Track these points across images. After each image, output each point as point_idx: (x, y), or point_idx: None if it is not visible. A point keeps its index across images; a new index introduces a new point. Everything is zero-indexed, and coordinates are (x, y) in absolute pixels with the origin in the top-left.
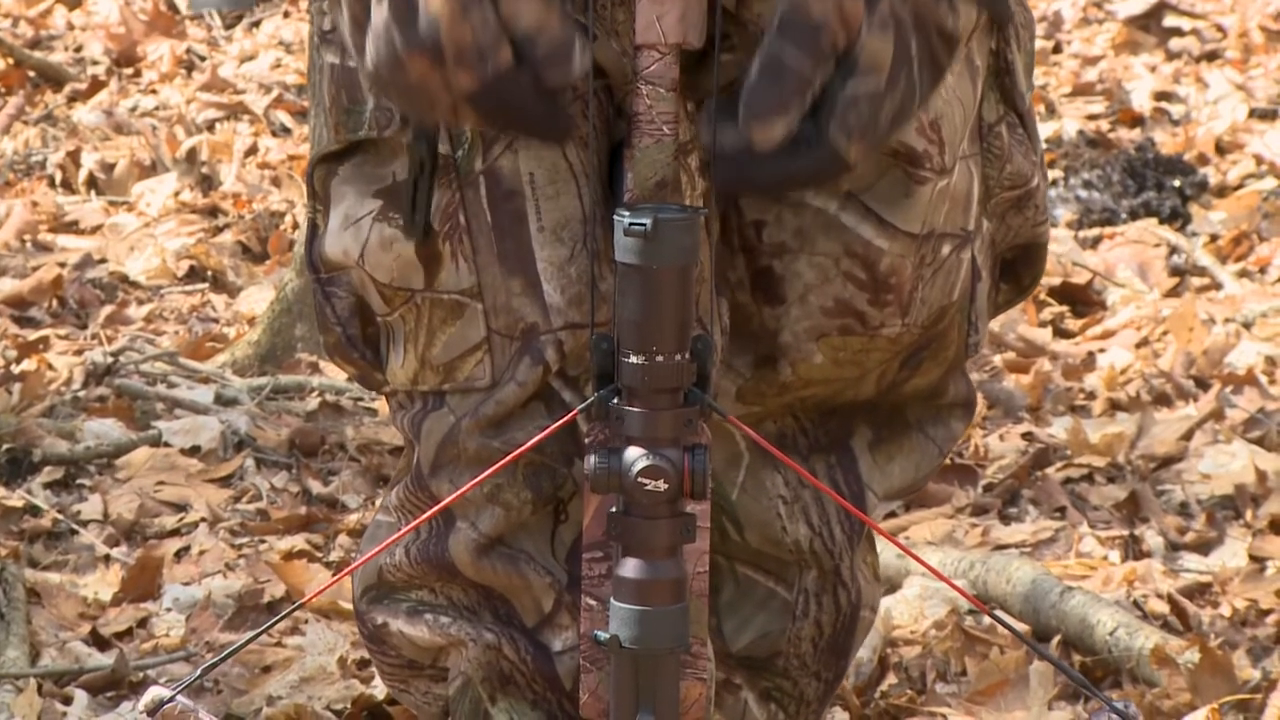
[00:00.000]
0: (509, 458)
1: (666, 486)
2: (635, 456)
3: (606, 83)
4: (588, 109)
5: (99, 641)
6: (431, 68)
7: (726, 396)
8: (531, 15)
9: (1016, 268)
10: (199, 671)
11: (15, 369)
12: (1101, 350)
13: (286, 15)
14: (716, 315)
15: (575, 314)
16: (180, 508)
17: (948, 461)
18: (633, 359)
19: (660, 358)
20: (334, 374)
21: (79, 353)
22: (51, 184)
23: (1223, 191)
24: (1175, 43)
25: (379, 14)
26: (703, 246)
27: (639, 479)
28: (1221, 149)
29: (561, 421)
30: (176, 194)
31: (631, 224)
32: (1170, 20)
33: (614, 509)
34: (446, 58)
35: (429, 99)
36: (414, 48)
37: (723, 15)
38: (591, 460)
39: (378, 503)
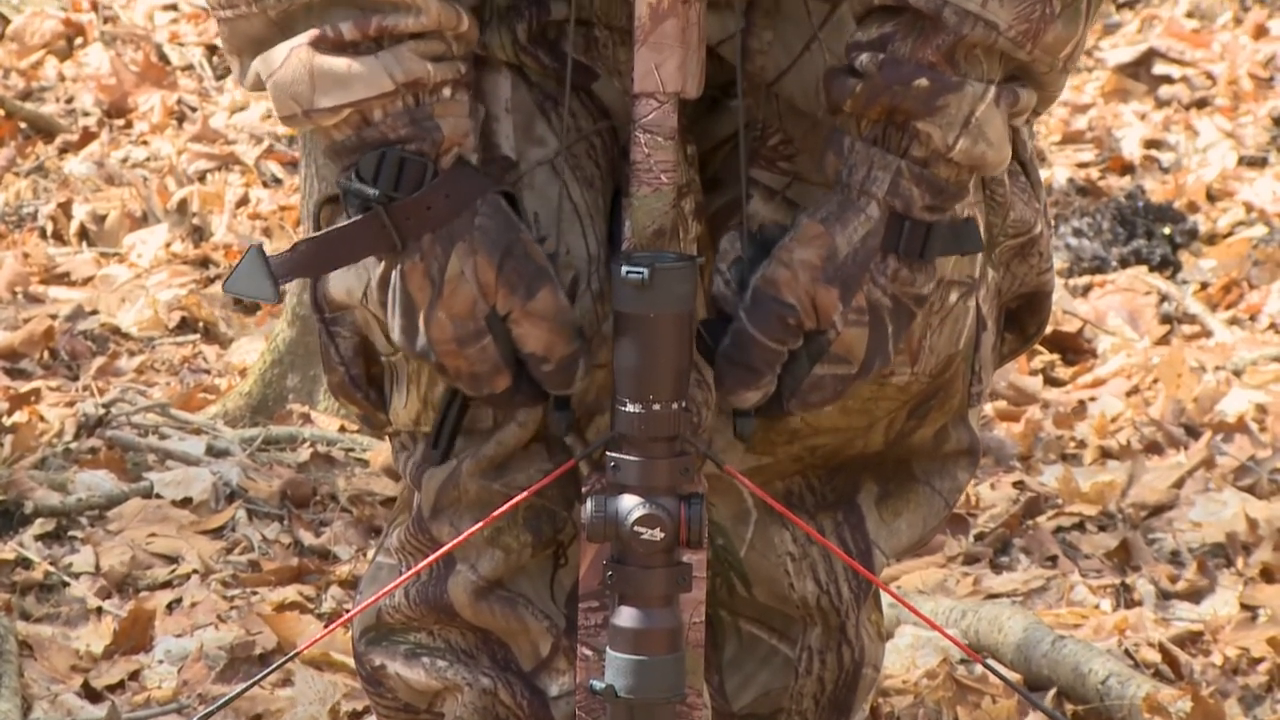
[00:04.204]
0: (511, 503)
1: (663, 535)
2: (631, 505)
3: (611, 124)
4: (592, 149)
5: (91, 694)
6: (439, 373)
7: (735, 447)
8: (541, 341)
9: (1021, 316)
10: None
11: (7, 421)
12: (1092, 398)
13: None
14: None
15: None
16: (172, 559)
17: None
18: (629, 407)
19: (657, 406)
20: (326, 425)
21: (70, 404)
22: (43, 235)
23: (1213, 239)
24: (1165, 90)
25: (391, 316)
26: (698, 288)
27: (635, 528)
28: (1211, 196)
29: (561, 469)
30: (168, 245)
31: (629, 272)
32: (1160, 68)
33: (610, 558)
34: (448, 374)
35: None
36: (419, 357)
37: (724, 66)
38: (588, 508)
39: (369, 554)
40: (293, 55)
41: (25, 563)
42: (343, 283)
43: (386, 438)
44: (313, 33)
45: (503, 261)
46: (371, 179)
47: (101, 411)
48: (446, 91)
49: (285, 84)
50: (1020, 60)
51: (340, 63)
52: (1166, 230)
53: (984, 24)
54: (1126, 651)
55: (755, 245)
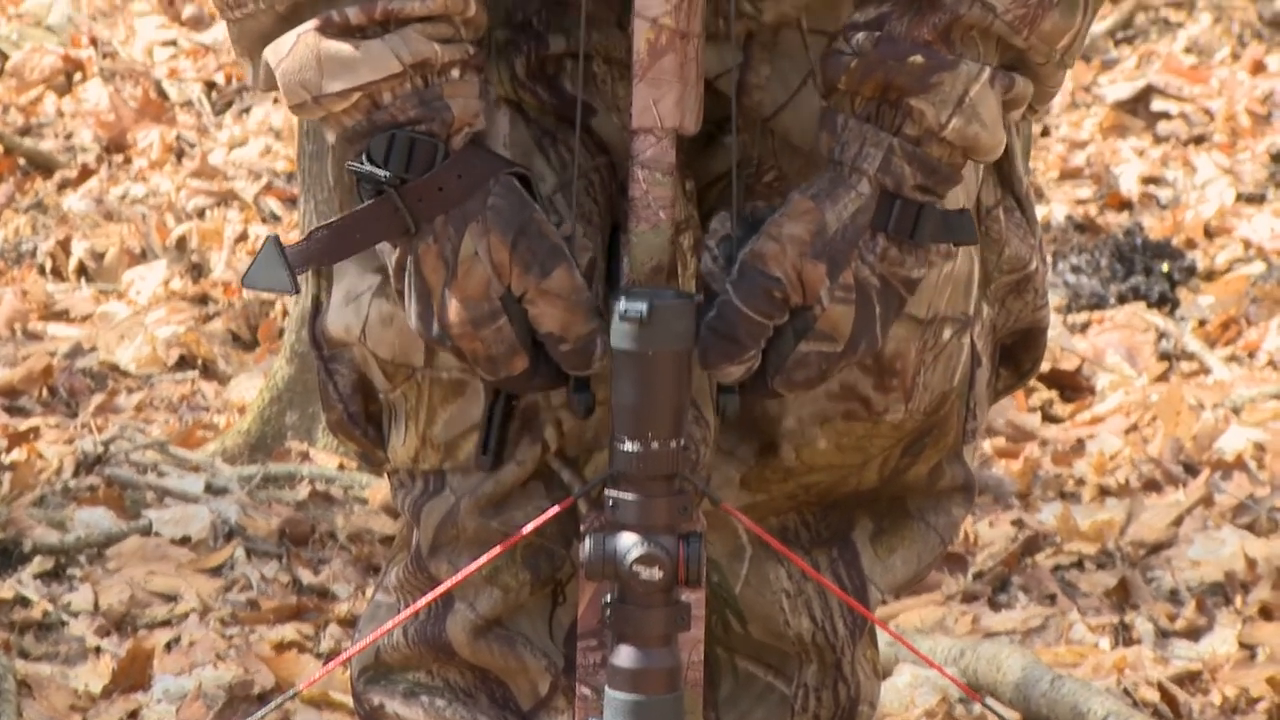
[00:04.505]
0: (509, 542)
1: (661, 575)
2: (630, 544)
3: (609, 160)
4: (592, 188)
5: None
6: (455, 358)
7: (730, 484)
8: (557, 320)
9: (1016, 353)
10: None
11: (5, 458)
12: (1091, 436)
13: (276, 102)
14: (710, 395)
15: None
16: (170, 598)
17: None
18: (628, 445)
19: (655, 444)
20: (325, 463)
21: (69, 442)
22: (42, 272)
23: (1211, 276)
24: (1163, 126)
25: (408, 302)
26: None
27: (633, 567)
28: (1210, 233)
29: (560, 507)
30: (166, 282)
31: (627, 310)
32: (1158, 104)
33: (608, 597)
34: (465, 358)
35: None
36: (436, 342)
37: (721, 100)
38: (586, 547)
39: (368, 592)
40: (300, 42)
41: (24, 601)
42: (341, 320)
43: (385, 475)
44: (319, 19)
45: (516, 241)
46: (382, 162)
47: (100, 449)
48: (455, 73)
49: (293, 71)
50: (1016, 48)
51: (347, 47)
52: (1165, 267)
53: (981, 5)
54: (1125, 690)
55: (745, 226)
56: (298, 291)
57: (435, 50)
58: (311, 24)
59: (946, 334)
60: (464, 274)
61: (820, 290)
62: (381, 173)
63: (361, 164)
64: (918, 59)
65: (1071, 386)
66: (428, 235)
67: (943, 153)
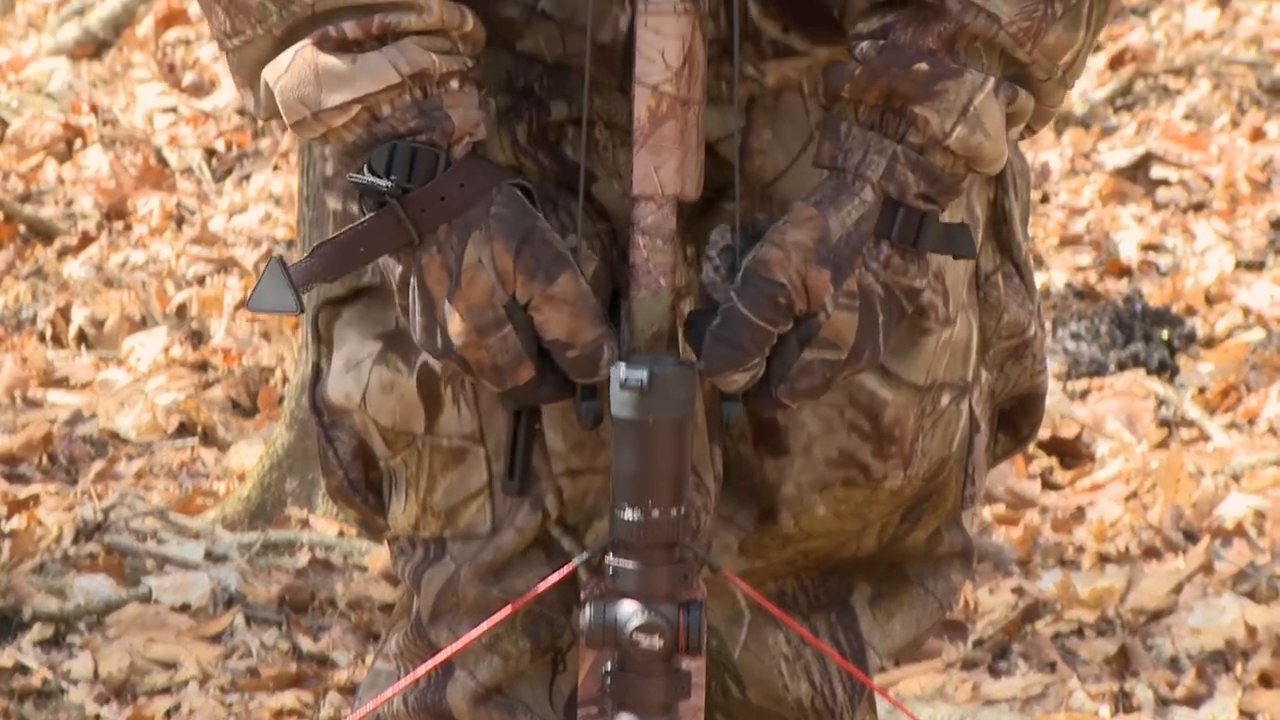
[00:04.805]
0: (509, 609)
1: (662, 643)
2: (630, 612)
3: (610, 226)
4: (594, 248)
5: None
6: (462, 371)
7: (728, 551)
8: (563, 326)
9: (1014, 418)
10: None
11: (5, 526)
12: (1091, 503)
13: (276, 169)
14: (710, 461)
15: (576, 460)
16: (170, 665)
17: None
18: (628, 514)
19: (656, 512)
20: (324, 529)
21: (69, 509)
22: (41, 339)
23: (1211, 343)
24: (1162, 193)
25: (412, 318)
26: (696, 392)
27: (634, 635)
28: (1209, 300)
29: (560, 574)
30: (166, 349)
31: (627, 378)
32: (1158, 171)
33: (609, 665)
34: (471, 370)
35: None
36: (441, 356)
37: (721, 166)
38: (586, 615)
39: (368, 659)
40: (297, 58)
41: (23, 669)
42: (341, 387)
43: (385, 542)
44: (316, 34)
45: (520, 248)
46: (384, 173)
47: (100, 516)
48: (454, 84)
49: (292, 87)
50: (1019, 62)
51: (345, 60)
52: (1165, 334)
53: (986, 15)
54: None
55: (747, 237)
56: (303, 310)
57: (433, 61)
58: (308, 40)
59: (945, 400)
60: (468, 282)
61: (825, 297)
62: (383, 183)
63: (363, 175)
64: (922, 67)
65: (1071, 453)
66: (431, 245)
67: (946, 162)
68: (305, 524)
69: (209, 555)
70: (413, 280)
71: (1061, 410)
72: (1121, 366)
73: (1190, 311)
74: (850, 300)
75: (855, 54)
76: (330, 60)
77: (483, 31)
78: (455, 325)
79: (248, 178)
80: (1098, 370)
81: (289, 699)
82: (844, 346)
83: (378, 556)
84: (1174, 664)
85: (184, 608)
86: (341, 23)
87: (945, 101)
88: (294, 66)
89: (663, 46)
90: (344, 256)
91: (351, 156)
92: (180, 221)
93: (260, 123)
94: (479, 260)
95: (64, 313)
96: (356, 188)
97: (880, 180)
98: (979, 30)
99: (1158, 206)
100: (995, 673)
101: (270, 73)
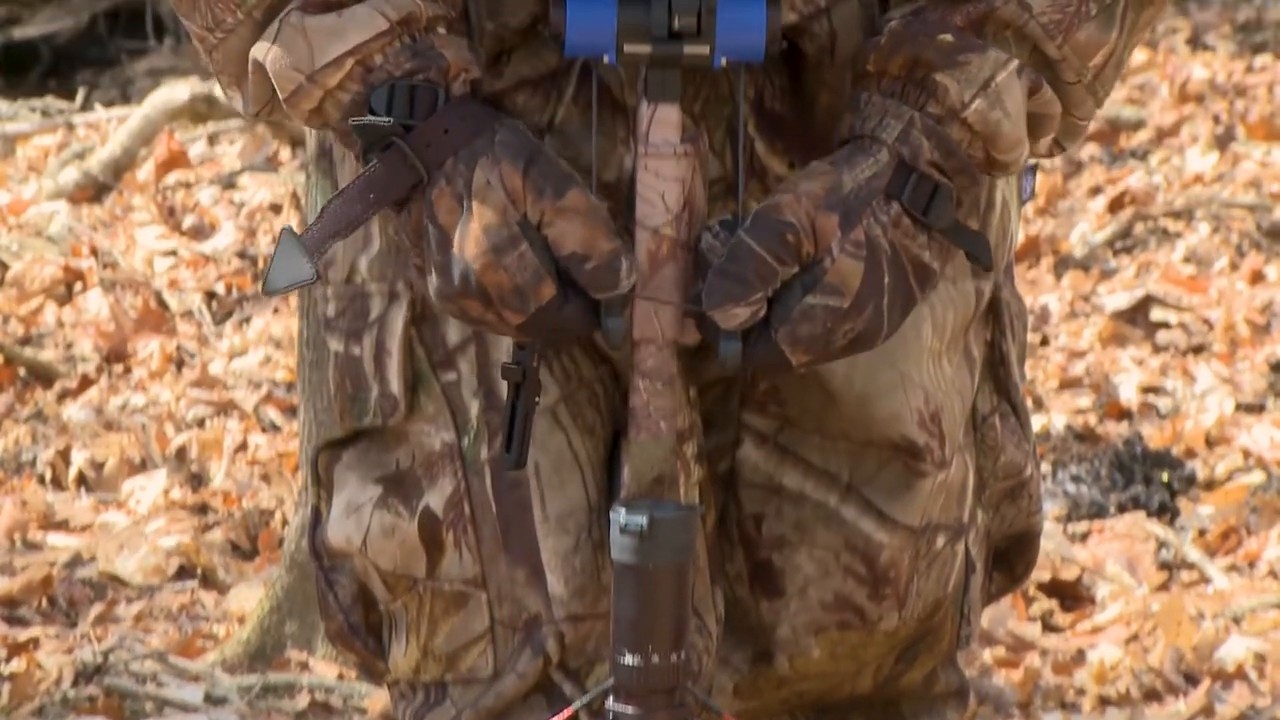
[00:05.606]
0: None
1: None
2: None
3: (611, 369)
4: (594, 396)
5: None
6: (483, 307)
7: (724, 693)
8: (578, 237)
9: (1009, 557)
10: None
11: (5, 669)
12: (1091, 646)
13: (276, 311)
14: (712, 603)
15: (578, 605)
16: None
17: None
18: (628, 659)
19: (656, 658)
20: (324, 672)
21: (69, 652)
22: (41, 482)
23: (1211, 485)
24: (1162, 336)
25: (428, 268)
26: (698, 535)
27: None
28: (1209, 443)
29: (560, 718)
30: (166, 491)
31: (628, 523)
32: (1157, 314)
33: None
34: (492, 299)
35: (488, 327)
36: (460, 294)
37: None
38: None
39: None
40: (284, 26)
41: None
42: (342, 531)
43: (385, 686)
44: (299, 1)
45: (528, 168)
46: (384, 114)
47: (100, 659)
48: (441, 29)
49: (282, 55)
50: (1049, 58)
51: (330, 17)
52: (1165, 476)
53: (1017, 2)
54: None
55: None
56: (319, 278)
57: (419, 5)
58: (293, 6)
59: (940, 542)
60: (479, 205)
61: (831, 242)
62: (385, 120)
63: (363, 118)
64: (947, 37)
65: (1072, 596)
66: (439, 180)
67: (963, 135)
68: (305, 667)
69: (209, 698)
70: (425, 224)
71: (1062, 552)
72: (1122, 509)
73: (1190, 454)
74: (857, 249)
75: (882, 30)
76: (316, 19)
77: None
78: (471, 249)
79: (248, 320)
80: (1098, 513)
81: None
82: (847, 294)
83: (378, 700)
84: None
85: None
86: None
87: (967, 73)
88: (282, 35)
89: (663, 190)
90: (354, 207)
91: (350, 133)
92: (180, 364)
93: (252, 118)
94: (488, 182)
95: (64, 455)
96: (358, 133)
97: (895, 142)
98: (1009, 16)
99: (1157, 349)
100: None
101: (259, 50)
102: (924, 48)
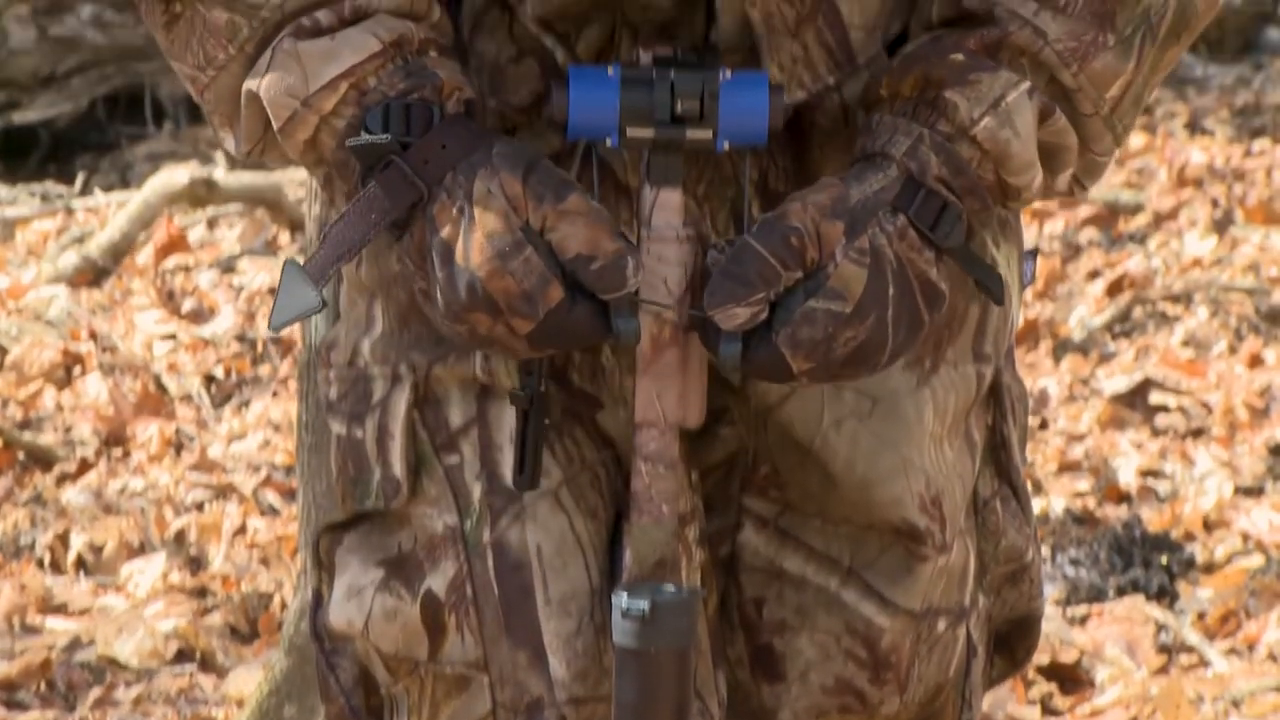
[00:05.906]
0: None
1: None
2: None
3: (614, 453)
4: (596, 479)
5: None
6: (491, 319)
7: None
8: (582, 239)
9: (1010, 641)
10: None
11: None
12: None
13: (275, 395)
14: (714, 686)
15: (580, 688)
16: None
17: None
18: None
19: None
20: None
21: None
22: (40, 565)
23: (1210, 569)
24: (1161, 419)
25: (433, 286)
26: (700, 618)
27: None
28: (1208, 526)
29: None
30: (165, 574)
31: (629, 607)
32: (1156, 397)
33: None
34: (500, 308)
35: (498, 344)
36: (467, 306)
37: (725, 390)
38: None
39: None
40: (277, 53)
41: None
42: (343, 614)
43: None
44: (291, 27)
45: (527, 175)
46: (381, 134)
47: None
48: (433, 52)
49: (276, 82)
50: (1065, 86)
51: (324, 41)
52: (1164, 560)
53: (1032, 29)
54: None
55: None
56: (325, 306)
57: (410, 28)
58: (285, 33)
59: (941, 626)
60: (482, 213)
61: (835, 247)
62: (383, 137)
63: (360, 136)
64: (958, 57)
65: (1071, 679)
66: (440, 195)
67: (972, 154)
68: None
69: None
70: (429, 240)
71: (1061, 636)
72: (1121, 592)
73: (1189, 537)
74: (860, 256)
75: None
76: (309, 44)
77: (449, 25)
78: (476, 257)
79: (247, 404)
80: (1097, 596)
81: None
82: (849, 299)
83: None
84: None
85: None
86: (315, 13)
87: (977, 91)
88: (275, 61)
89: (665, 274)
90: (355, 229)
91: (346, 163)
92: (179, 448)
93: (243, 158)
94: (489, 191)
95: (62, 539)
96: (356, 155)
97: (903, 157)
98: (1024, 42)
99: (1156, 433)
100: None
101: (252, 80)
102: (935, 67)
